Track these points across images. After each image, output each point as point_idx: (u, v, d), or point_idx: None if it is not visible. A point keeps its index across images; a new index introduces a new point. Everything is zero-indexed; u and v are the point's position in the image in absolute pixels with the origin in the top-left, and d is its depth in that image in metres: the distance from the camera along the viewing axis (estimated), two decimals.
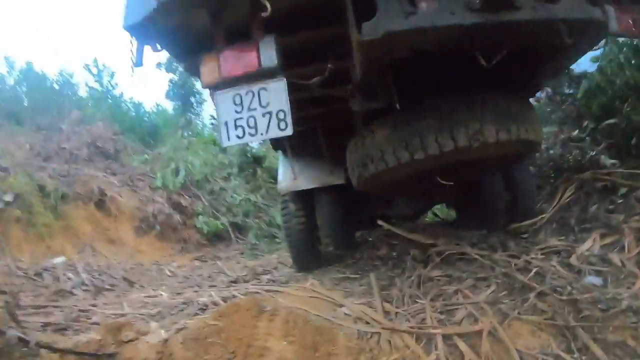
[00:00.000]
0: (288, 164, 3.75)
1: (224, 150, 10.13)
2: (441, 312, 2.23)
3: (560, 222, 3.34)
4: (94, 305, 3.23)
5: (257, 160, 10.99)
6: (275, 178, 10.96)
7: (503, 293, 2.28)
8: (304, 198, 3.85)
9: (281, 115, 1.83)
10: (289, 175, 3.69)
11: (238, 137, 1.88)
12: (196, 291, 3.58)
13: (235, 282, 4.06)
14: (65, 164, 7.25)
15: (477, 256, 2.79)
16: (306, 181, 3.69)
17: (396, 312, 2.30)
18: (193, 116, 14.26)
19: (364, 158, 2.66)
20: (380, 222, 3.95)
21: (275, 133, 1.86)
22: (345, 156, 3.07)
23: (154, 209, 6.91)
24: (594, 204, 3.23)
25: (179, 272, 4.94)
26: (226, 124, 1.87)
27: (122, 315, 2.91)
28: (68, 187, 6.35)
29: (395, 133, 2.44)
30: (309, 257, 3.98)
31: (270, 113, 1.84)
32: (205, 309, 2.81)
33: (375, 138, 2.55)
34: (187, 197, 7.84)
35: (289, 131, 1.83)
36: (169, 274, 4.85)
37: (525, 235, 3.32)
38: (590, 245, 2.61)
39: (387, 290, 2.68)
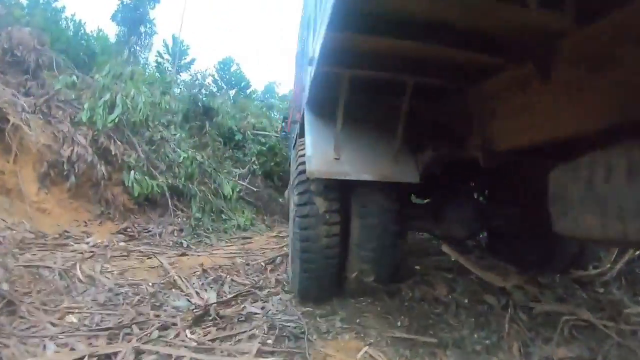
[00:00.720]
0: (327, 135, 2.50)
1: (167, 91, 8.19)
2: None
3: (628, 274, 3.05)
4: None
5: (208, 112, 9.24)
6: (227, 137, 9.52)
7: None
8: (340, 194, 2.59)
9: None
10: (328, 154, 2.43)
11: None
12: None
13: (202, 319, 2.50)
14: None
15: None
16: (359, 169, 2.45)
17: None
18: (139, 49, 11.60)
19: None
20: (445, 249, 3.33)
21: None
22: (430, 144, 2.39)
23: (72, 153, 5.09)
24: None
25: (98, 275, 3.12)
26: None
27: None
28: None
29: None
30: (328, 285, 2.76)
31: None
32: None
33: None
34: (118, 142, 6.03)
35: None
36: (82, 278, 3.01)
37: (600, 290, 2.95)
38: None
39: None
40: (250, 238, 6.16)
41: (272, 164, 9.83)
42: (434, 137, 2.62)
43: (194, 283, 3.12)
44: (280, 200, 9.36)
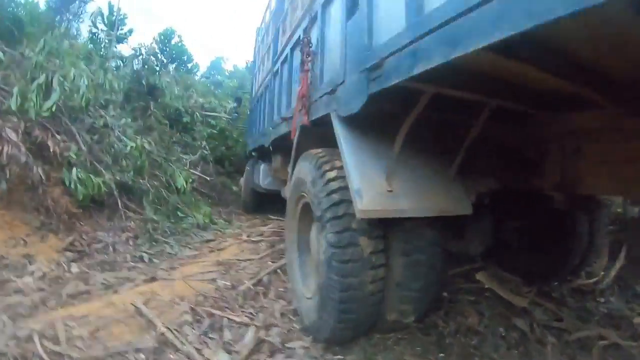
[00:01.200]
0: (375, 160, 2.11)
1: (105, 67, 7.01)
2: None
3: (620, 282, 3.32)
4: None
5: (152, 91, 8.20)
6: (173, 119, 8.57)
7: None
8: (383, 233, 2.21)
9: None
10: (379, 185, 2.05)
11: None
12: None
13: None
14: None
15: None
16: (416, 203, 2.08)
17: None
18: (71, 17, 9.74)
19: None
20: (480, 277, 3.28)
21: None
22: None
23: (3, 153, 4.13)
24: None
25: (65, 347, 2.31)
26: None
27: None
28: None
29: None
30: (362, 330, 2.45)
31: None
32: None
33: None
34: (55, 134, 5.06)
35: None
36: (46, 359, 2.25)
37: (601, 299, 3.20)
38: None
39: None
40: (214, 241, 5.70)
41: (223, 148, 9.18)
42: (496, 165, 2.43)
43: (188, 336, 2.71)
44: (234, 188, 8.85)
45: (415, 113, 1.94)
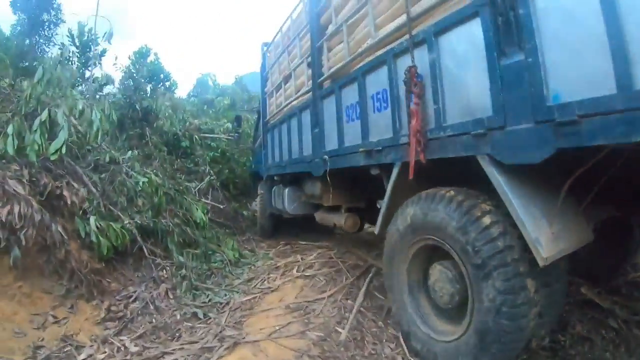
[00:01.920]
0: (537, 204, 2.08)
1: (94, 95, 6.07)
2: None
3: None
4: None
5: (147, 115, 7.29)
6: (171, 145, 7.69)
7: None
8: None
9: None
10: (547, 230, 2.01)
11: None
12: None
13: None
14: None
15: None
16: (568, 239, 2.11)
17: None
18: (42, 41, 8.61)
19: None
20: (586, 291, 3.29)
21: None
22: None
23: (10, 213, 3.24)
24: None
25: None
26: None
27: None
28: None
29: None
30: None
31: None
32: None
33: None
34: (60, 177, 4.18)
35: None
36: None
37: None
38: None
39: None
40: (255, 279, 4.96)
41: (227, 171, 8.38)
42: (618, 193, 2.44)
43: None
44: (245, 213, 8.09)
45: (590, 164, 1.90)
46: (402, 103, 2.74)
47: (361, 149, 3.29)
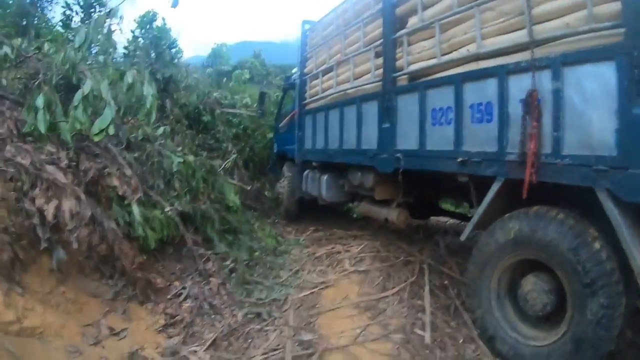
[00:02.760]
0: None
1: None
2: None
3: None
4: None
5: (167, 86, 6.56)
6: (192, 119, 7.07)
7: None
8: None
9: None
10: None
11: None
12: None
13: None
14: None
15: None
16: None
17: None
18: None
19: None
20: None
21: None
22: None
23: (64, 211, 2.72)
24: None
25: None
26: None
27: None
28: None
29: None
30: None
31: None
32: None
33: None
34: (92, 158, 3.63)
35: None
36: None
37: None
38: None
39: None
40: (302, 271, 4.59)
41: (248, 149, 7.83)
42: None
43: None
44: (267, 194, 7.63)
45: None
46: (511, 120, 2.74)
47: (458, 158, 3.13)
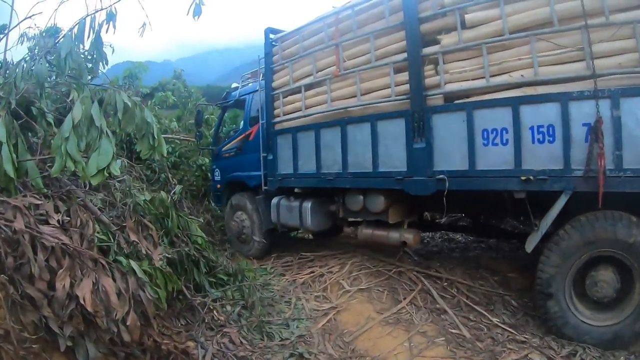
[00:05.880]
0: None
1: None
2: None
3: None
4: None
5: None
6: (125, 148, 5.93)
7: None
8: None
9: None
10: None
11: None
12: None
13: None
14: None
15: None
16: None
17: None
18: None
19: None
20: None
21: None
22: None
23: (102, 289, 1.94)
24: None
25: None
26: None
27: None
28: None
29: None
30: None
31: None
32: None
33: None
34: (65, 203, 2.76)
35: None
36: None
37: None
38: None
39: None
40: (299, 301, 4.23)
41: (186, 178, 6.95)
42: None
43: None
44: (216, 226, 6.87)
45: None
46: (573, 141, 3.08)
47: (522, 176, 3.29)
